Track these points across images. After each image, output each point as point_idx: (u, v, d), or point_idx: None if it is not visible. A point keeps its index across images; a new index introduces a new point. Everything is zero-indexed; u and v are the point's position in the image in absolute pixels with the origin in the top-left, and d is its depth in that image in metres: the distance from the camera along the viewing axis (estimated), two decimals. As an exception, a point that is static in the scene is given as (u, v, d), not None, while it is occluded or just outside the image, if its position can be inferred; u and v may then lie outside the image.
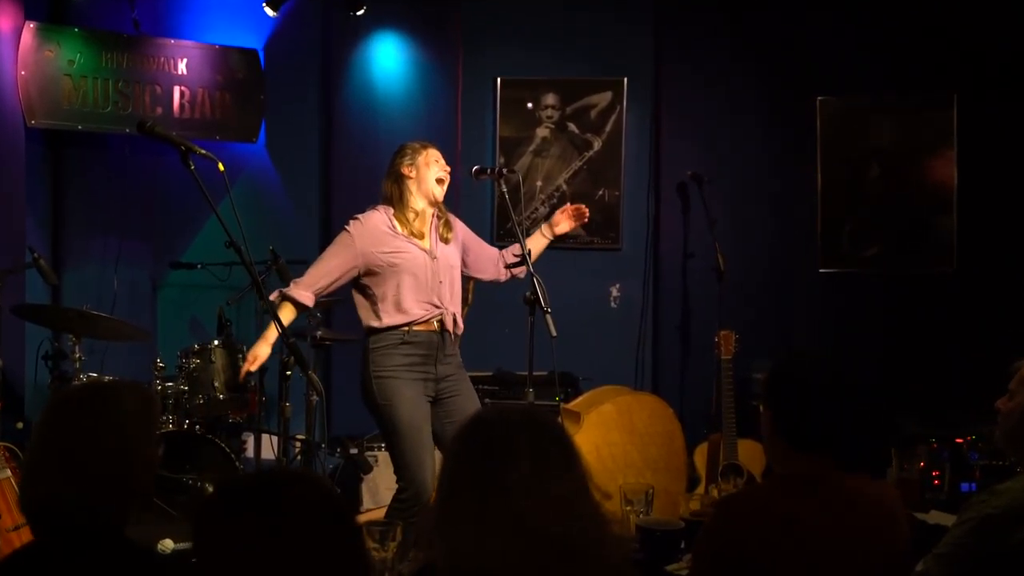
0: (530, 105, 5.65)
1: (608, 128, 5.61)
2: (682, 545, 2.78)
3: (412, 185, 3.71)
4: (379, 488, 4.81)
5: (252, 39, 5.61)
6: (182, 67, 5.36)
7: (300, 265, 5.02)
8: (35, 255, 4.33)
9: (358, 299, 3.71)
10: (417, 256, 3.64)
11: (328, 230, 5.63)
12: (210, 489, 4.24)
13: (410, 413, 3.56)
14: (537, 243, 3.94)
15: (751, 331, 4.73)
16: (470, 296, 4.40)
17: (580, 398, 4.58)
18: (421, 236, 3.69)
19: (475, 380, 3.93)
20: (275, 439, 4.73)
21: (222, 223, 2.90)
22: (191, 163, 2.90)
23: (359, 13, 5.33)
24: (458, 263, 3.80)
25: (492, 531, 1.45)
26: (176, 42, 5.38)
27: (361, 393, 3.67)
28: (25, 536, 2.42)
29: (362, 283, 3.68)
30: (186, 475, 4.29)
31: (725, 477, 4.31)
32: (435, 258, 3.68)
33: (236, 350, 4.66)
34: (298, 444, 4.73)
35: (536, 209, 5.53)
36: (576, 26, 5.61)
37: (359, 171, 5.33)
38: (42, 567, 1.75)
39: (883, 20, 5.25)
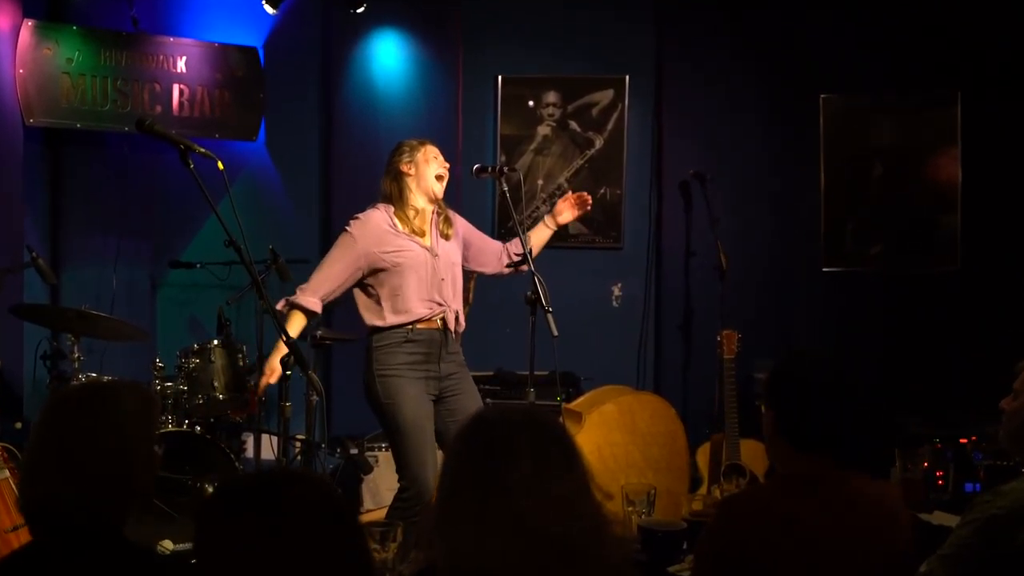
0: (531, 103, 5.63)
1: (610, 126, 5.59)
2: (684, 546, 2.77)
3: (412, 182, 3.70)
4: (379, 488, 4.79)
5: (252, 37, 5.59)
6: (181, 65, 5.34)
7: (300, 265, 5.04)
8: (33, 254, 4.32)
9: (360, 298, 3.69)
10: (419, 254, 3.64)
11: (328, 229, 5.62)
12: (209, 490, 4.23)
13: (413, 412, 3.56)
14: (540, 234, 3.94)
15: (754, 330, 4.72)
16: (471, 295, 4.38)
17: (582, 398, 4.57)
18: (422, 234, 3.69)
19: (476, 380, 3.93)
20: (275, 439, 4.72)
21: (222, 222, 2.90)
22: (190, 162, 2.90)
23: (359, 11, 5.32)
24: (459, 260, 3.79)
25: (492, 531, 1.45)
26: (175, 40, 5.36)
27: (364, 392, 3.67)
28: (24, 537, 2.41)
29: (364, 282, 3.67)
30: (186, 475, 4.28)
31: (727, 477, 4.30)
32: (436, 256, 3.67)
33: (236, 350, 4.65)
34: (298, 444, 4.72)
35: (537, 208, 5.52)
36: (577, 24, 5.60)
37: (359, 170, 5.31)
38: (41, 567, 1.75)
39: (886, 18, 5.24)
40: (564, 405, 4.35)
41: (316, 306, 3.61)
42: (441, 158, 3.76)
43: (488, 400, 4.68)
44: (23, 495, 1.81)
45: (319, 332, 4.82)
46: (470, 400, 3.72)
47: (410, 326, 3.60)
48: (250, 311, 5.00)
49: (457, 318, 3.70)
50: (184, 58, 5.35)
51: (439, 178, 3.73)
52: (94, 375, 4.39)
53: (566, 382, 4.92)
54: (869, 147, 5.38)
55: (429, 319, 3.62)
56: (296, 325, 3.59)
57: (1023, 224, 5.11)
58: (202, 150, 2.94)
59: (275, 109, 5.61)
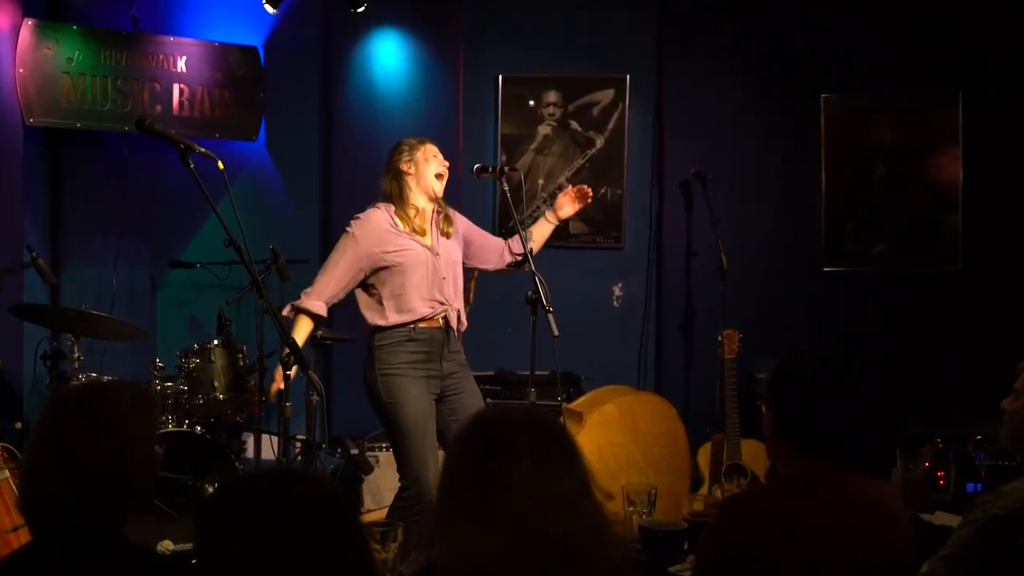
0: (532, 103, 5.63)
1: (610, 126, 5.58)
2: (685, 546, 2.77)
3: (411, 181, 3.70)
4: (380, 489, 4.78)
5: (252, 36, 5.59)
6: (181, 64, 5.34)
7: (300, 264, 5.04)
8: (33, 254, 4.32)
9: (362, 298, 3.69)
10: (420, 253, 3.63)
11: (328, 229, 5.61)
12: (209, 490, 4.22)
13: (416, 411, 3.56)
14: (542, 229, 3.93)
15: (755, 330, 4.70)
16: (471, 295, 4.38)
17: (582, 398, 4.57)
18: (423, 233, 3.68)
19: (477, 380, 3.92)
20: (275, 439, 4.72)
21: (222, 222, 2.90)
22: (190, 161, 2.91)
23: (359, 10, 5.31)
24: (460, 258, 3.79)
25: (492, 531, 1.45)
26: (175, 39, 5.36)
27: (366, 391, 3.67)
28: (24, 538, 2.41)
29: (366, 282, 3.67)
30: (186, 476, 4.27)
31: (729, 477, 4.29)
32: (437, 254, 3.67)
33: (236, 350, 4.65)
34: (298, 444, 4.72)
35: (538, 207, 5.51)
36: (578, 23, 5.60)
37: (360, 169, 5.30)
38: (41, 568, 1.75)
39: (888, 17, 5.23)
40: (565, 405, 4.35)
41: (321, 309, 3.62)
42: (440, 156, 3.76)
43: (489, 400, 4.68)
44: (23, 495, 1.81)
45: (319, 332, 4.80)
46: (472, 399, 3.71)
47: (412, 325, 3.59)
48: (250, 311, 4.98)
49: (459, 317, 3.70)
50: (184, 58, 5.34)
51: (439, 176, 3.73)
52: (94, 375, 4.39)
53: (567, 382, 4.91)
54: (870, 147, 5.37)
55: (431, 318, 3.62)
56: (303, 329, 3.61)
57: (1024, 224, 5.11)
58: (202, 150, 2.94)
59: (275, 109, 5.60)
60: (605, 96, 5.59)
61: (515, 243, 3.88)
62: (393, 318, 3.60)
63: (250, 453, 4.69)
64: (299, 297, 3.65)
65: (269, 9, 5.21)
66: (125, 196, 5.31)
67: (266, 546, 1.34)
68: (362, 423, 4.87)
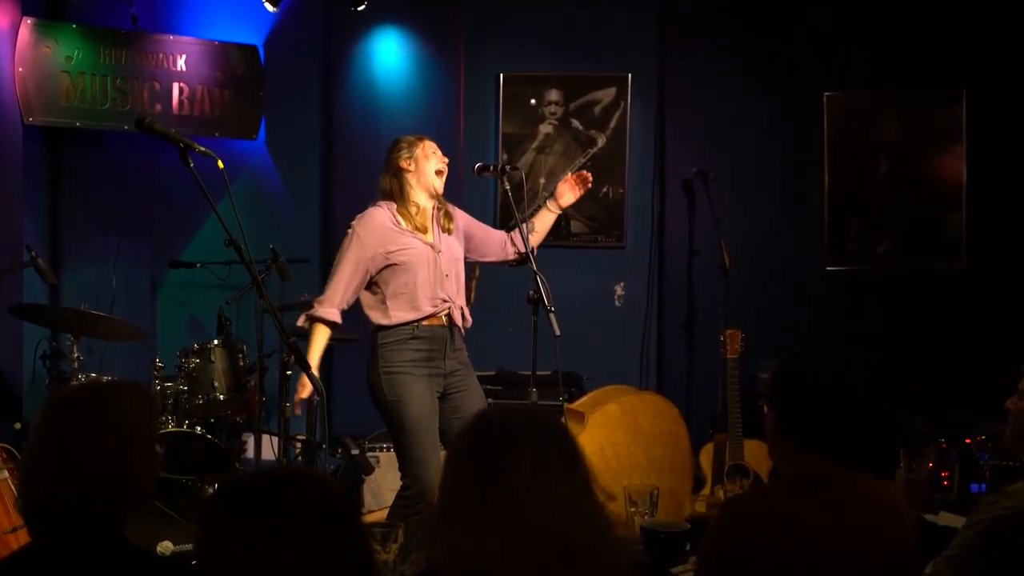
0: (533, 101, 5.61)
1: (612, 124, 5.57)
2: (687, 547, 2.77)
3: (412, 179, 3.69)
4: (381, 489, 4.77)
5: (252, 35, 5.57)
6: (181, 63, 5.32)
7: (301, 264, 5.03)
8: (33, 254, 4.31)
9: (365, 297, 3.69)
10: (423, 251, 3.63)
11: (329, 228, 5.61)
12: (209, 491, 4.21)
13: (419, 410, 3.56)
14: (545, 219, 3.92)
15: (757, 330, 4.70)
16: (472, 295, 4.37)
17: (584, 398, 4.56)
18: (425, 230, 3.68)
19: (478, 380, 3.90)
20: (275, 440, 4.71)
21: (222, 221, 2.90)
22: (190, 161, 2.90)
23: (360, 8, 5.30)
24: (462, 255, 3.79)
25: (493, 531, 1.45)
26: (175, 38, 5.34)
27: (369, 389, 3.66)
28: (23, 539, 2.40)
29: (370, 281, 3.66)
30: (186, 476, 4.26)
31: (731, 478, 4.28)
32: (440, 252, 3.67)
33: (236, 350, 4.64)
34: (299, 445, 4.70)
35: (539, 207, 5.49)
36: (579, 21, 5.58)
37: (360, 168, 5.28)
38: (40, 569, 1.74)
39: (891, 15, 5.22)
40: (566, 405, 4.34)
41: (336, 316, 3.61)
42: (440, 153, 3.75)
43: (490, 400, 4.67)
44: (22, 496, 1.81)
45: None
46: (474, 397, 3.71)
47: (415, 323, 3.59)
48: (250, 311, 4.98)
49: (463, 314, 3.70)
50: (184, 56, 5.33)
51: (439, 173, 3.72)
52: (94, 375, 4.39)
53: (568, 382, 4.91)
54: (873, 145, 5.36)
55: (434, 315, 3.62)
56: (321, 338, 3.60)
57: (1031, 222, 5.10)
58: (202, 149, 2.94)
59: (275, 108, 5.59)
60: (607, 95, 5.57)
61: (518, 237, 3.87)
62: (396, 316, 3.59)
63: (250, 453, 4.69)
64: (311, 306, 3.64)
65: (269, 7, 5.20)
66: (125, 195, 5.30)
67: (266, 546, 1.34)
68: (363, 423, 4.86)
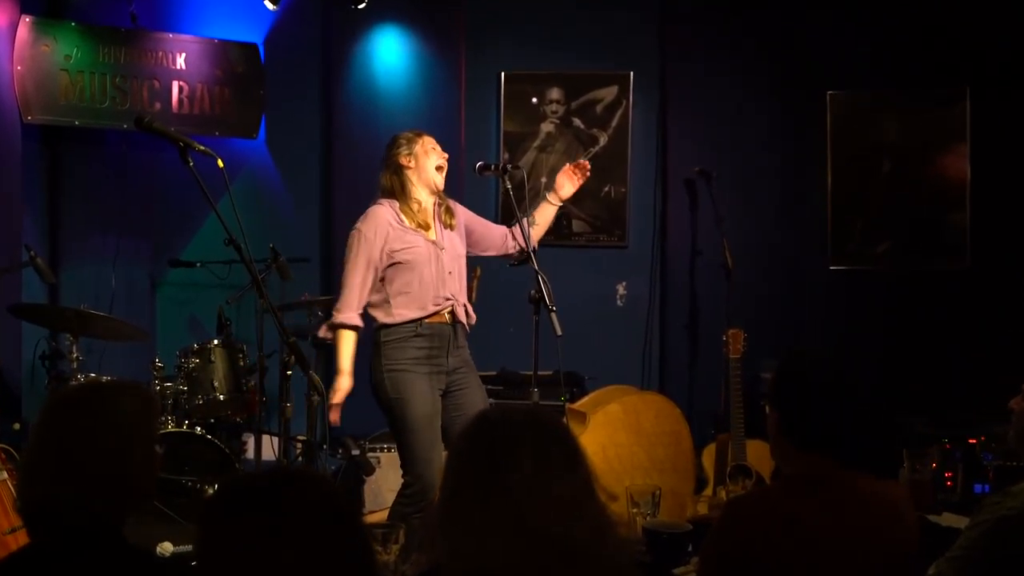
0: (534, 100, 5.60)
1: (614, 123, 5.55)
2: (689, 548, 2.76)
3: (412, 175, 3.68)
4: (381, 490, 4.76)
5: (252, 33, 5.56)
6: (180, 62, 5.31)
7: (301, 263, 5.01)
8: (32, 253, 4.30)
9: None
10: (427, 249, 3.63)
11: (329, 228, 5.59)
12: (209, 491, 4.20)
13: (422, 408, 3.56)
14: (545, 212, 3.91)
15: (760, 330, 4.67)
16: (473, 294, 4.35)
17: (586, 398, 4.56)
18: (427, 227, 3.68)
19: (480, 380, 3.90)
20: (276, 440, 4.69)
21: (221, 220, 2.90)
22: (190, 159, 2.91)
23: (360, 6, 5.29)
24: (464, 251, 3.79)
25: (494, 531, 1.46)
26: (174, 36, 5.33)
27: (371, 387, 3.66)
28: (22, 539, 2.40)
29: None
30: (185, 477, 4.25)
31: (733, 478, 4.27)
32: (443, 248, 3.67)
33: (236, 350, 4.63)
34: (299, 445, 4.69)
35: (540, 200, 5.47)
36: (581, 19, 5.56)
37: (361, 167, 5.26)
38: (39, 570, 1.74)
39: (893, 13, 5.21)
40: (568, 405, 4.34)
41: (358, 320, 3.61)
42: (439, 148, 3.75)
43: (491, 400, 4.66)
44: (21, 496, 1.81)
45: (320, 331, 4.78)
46: (476, 396, 3.72)
47: (419, 321, 3.59)
48: (250, 311, 4.96)
49: (466, 311, 3.70)
50: (183, 54, 5.31)
51: (439, 169, 3.72)
52: (93, 375, 4.36)
53: (570, 382, 4.90)
54: (876, 144, 5.34)
55: (437, 313, 3.61)
56: (348, 343, 3.61)
57: (1035, 221, 5.08)
58: (202, 148, 2.94)
59: (275, 106, 5.58)
60: (608, 93, 5.55)
61: (519, 233, 3.86)
62: (400, 315, 3.59)
63: (250, 454, 4.67)
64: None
65: (269, 6, 5.19)
66: (124, 195, 5.28)
67: (266, 546, 1.34)
68: (363, 424, 4.84)
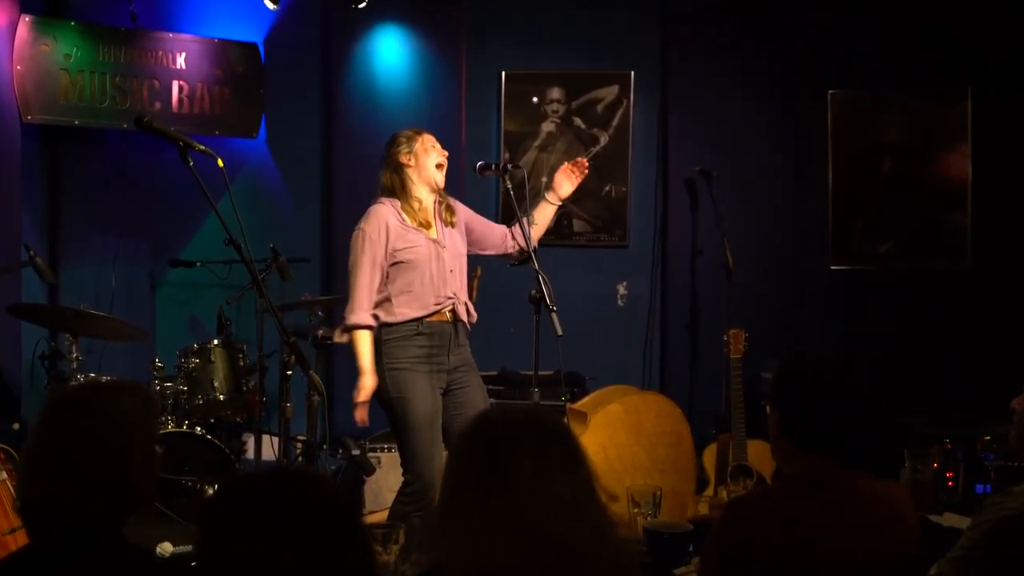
0: (535, 99, 5.59)
1: (615, 123, 5.54)
2: (690, 548, 2.76)
3: (412, 174, 3.68)
4: (382, 490, 4.75)
5: (252, 32, 5.55)
6: (180, 61, 5.30)
7: (301, 263, 5.00)
8: (31, 253, 4.29)
9: None
10: (428, 249, 3.63)
11: (329, 227, 5.59)
12: (209, 492, 4.20)
13: (423, 407, 3.56)
14: (544, 212, 3.89)
15: (761, 329, 4.67)
16: (474, 294, 4.35)
17: (587, 398, 4.55)
18: (428, 226, 3.68)
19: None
20: (275, 440, 4.68)
21: (221, 220, 2.89)
22: (190, 159, 2.90)
23: (361, 6, 5.29)
24: (465, 249, 3.79)
25: (494, 531, 1.46)
26: (174, 36, 5.32)
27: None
28: (21, 540, 2.40)
29: None
30: (185, 477, 4.24)
31: (735, 479, 4.27)
32: (444, 247, 3.67)
33: (236, 350, 4.62)
34: (299, 445, 4.68)
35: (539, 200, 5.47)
36: (582, 18, 5.55)
37: (361, 167, 5.26)
38: (39, 570, 1.74)
39: (894, 13, 5.20)
40: (569, 405, 4.33)
41: (370, 319, 3.59)
42: (439, 146, 3.74)
43: (492, 400, 4.65)
44: (21, 497, 1.81)
45: (320, 331, 4.78)
46: (477, 394, 3.72)
47: (420, 320, 3.59)
48: (250, 310, 4.96)
49: (467, 309, 3.70)
50: (184, 54, 5.30)
51: (439, 167, 3.72)
52: (93, 375, 4.35)
53: (571, 382, 4.90)
54: (878, 144, 5.33)
55: (439, 312, 3.61)
56: (366, 342, 3.58)
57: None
58: (202, 147, 2.94)
59: (276, 106, 5.57)
60: (609, 93, 5.54)
61: (519, 233, 3.85)
62: (401, 314, 3.59)
63: (250, 454, 4.67)
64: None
65: (269, 5, 5.19)
66: (124, 194, 5.27)
67: (266, 546, 1.34)
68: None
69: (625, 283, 5.57)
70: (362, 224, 3.62)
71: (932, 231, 5.26)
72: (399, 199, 3.66)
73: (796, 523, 1.93)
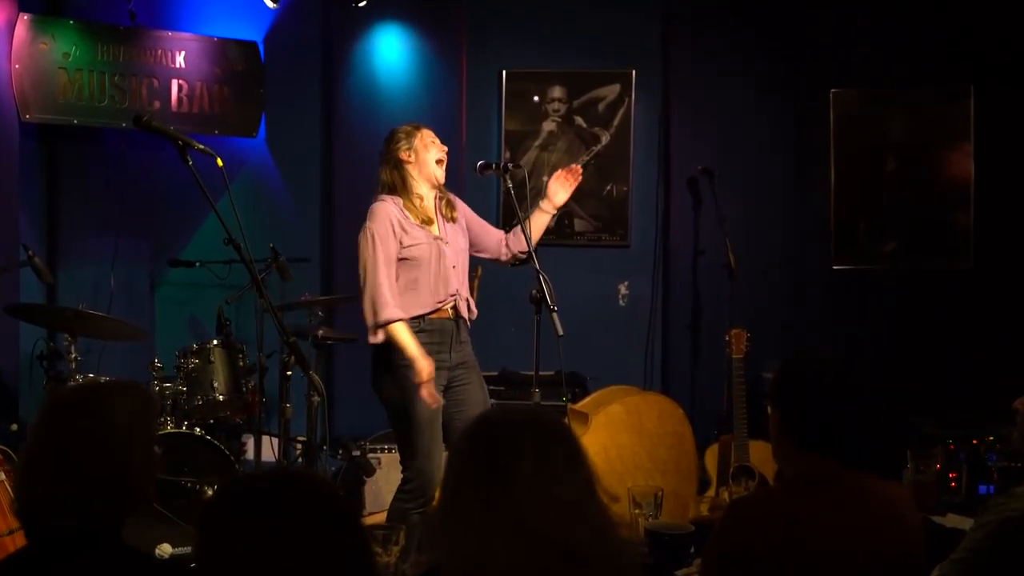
0: (536, 98, 5.58)
1: (616, 122, 5.53)
2: (692, 549, 2.74)
3: (412, 170, 3.67)
4: (382, 491, 4.74)
5: (251, 31, 5.54)
6: (180, 60, 5.28)
7: (301, 263, 4.99)
8: (30, 253, 4.28)
9: None
10: (431, 245, 3.62)
11: (330, 227, 5.58)
12: (209, 492, 4.18)
13: (425, 405, 3.53)
14: (539, 220, 3.86)
15: (763, 329, 4.67)
16: (474, 294, 4.33)
17: (588, 398, 4.55)
18: (430, 222, 3.67)
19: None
20: (275, 441, 4.68)
21: (221, 220, 2.88)
22: (189, 158, 2.90)
23: (361, 4, 5.28)
24: (466, 245, 3.78)
25: (494, 531, 1.46)
26: (174, 34, 5.31)
27: (373, 383, 3.64)
28: (20, 541, 2.39)
29: None
30: (184, 478, 4.22)
31: (736, 479, 4.26)
32: (447, 243, 3.66)
33: (236, 350, 4.60)
34: (299, 446, 4.68)
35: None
36: (582, 17, 5.55)
37: (361, 166, 5.23)
38: (37, 571, 1.74)
39: (898, 12, 5.20)
40: (570, 406, 4.32)
41: (399, 312, 3.52)
42: (439, 142, 3.73)
43: (493, 401, 4.64)
44: (19, 498, 1.81)
45: (320, 331, 4.77)
46: (477, 392, 3.72)
47: (422, 317, 3.58)
48: (250, 310, 4.96)
49: (469, 306, 3.69)
50: (183, 53, 5.29)
51: (439, 162, 3.70)
52: (91, 376, 4.34)
53: (572, 382, 4.89)
54: (880, 143, 5.34)
55: (441, 309, 3.60)
56: (404, 331, 3.50)
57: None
58: (201, 147, 2.94)
59: (276, 105, 5.56)
60: (611, 91, 5.53)
61: (514, 237, 3.85)
62: (404, 310, 3.56)
63: (250, 455, 4.67)
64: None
65: (269, 4, 5.18)
66: (123, 194, 5.25)
67: (266, 547, 1.34)
68: (364, 424, 4.83)
69: (626, 283, 5.56)
70: (369, 224, 3.59)
71: (935, 231, 5.26)
72: (400, 196, 3.64)
73: (797, 524, 1.93)
